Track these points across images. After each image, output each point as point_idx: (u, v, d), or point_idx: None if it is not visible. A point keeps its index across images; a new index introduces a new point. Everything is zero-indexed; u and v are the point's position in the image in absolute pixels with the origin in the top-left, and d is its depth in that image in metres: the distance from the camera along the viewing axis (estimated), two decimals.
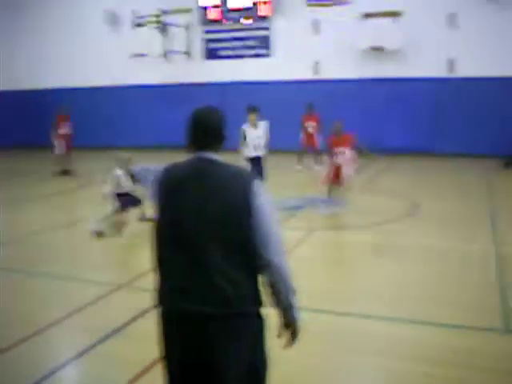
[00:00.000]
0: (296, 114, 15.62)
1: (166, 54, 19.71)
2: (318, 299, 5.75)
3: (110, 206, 8.99)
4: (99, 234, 8.78)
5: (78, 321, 5.73)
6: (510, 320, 5.44)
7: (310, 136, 15.24)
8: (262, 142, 9.91)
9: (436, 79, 17.23)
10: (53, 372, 4.65)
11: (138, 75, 20.57)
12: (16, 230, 9.63)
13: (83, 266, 7.74)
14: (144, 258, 6.96)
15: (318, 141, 14.99)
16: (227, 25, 19.60)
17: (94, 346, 5.05)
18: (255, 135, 9.86)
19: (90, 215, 9.53)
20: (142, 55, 19.74)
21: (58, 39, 21.84)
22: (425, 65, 17.16)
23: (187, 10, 19.83)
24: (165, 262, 2.75)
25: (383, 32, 17.19)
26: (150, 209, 7.77)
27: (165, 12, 19.48)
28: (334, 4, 17.90)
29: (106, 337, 5.20)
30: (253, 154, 9.86)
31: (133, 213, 9.18)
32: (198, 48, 20.30)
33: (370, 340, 5.07)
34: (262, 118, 10.05)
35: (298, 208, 10.47)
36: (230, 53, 19.95)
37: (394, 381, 4.43)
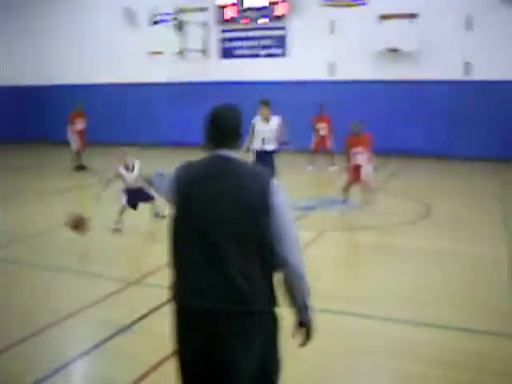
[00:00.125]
0: (310, 115, 15.63)
1: (182, 53, 19.78)
2: (329, 300, 5.74)
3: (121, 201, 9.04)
4: (115, 231, 8.83)
5: (89, 316, 5.78)
6: None
7: (321, 137, 15.24)
8: (273, 136, 9.82)
9: (452, 82, 17.15)
10: (63, 366, 4.70)
11: (154, 73, 20.66)
12: (29, 225, 9.70)
13: (95, 261, 7.80)
14: (156, 255, 7.04)
15: (330, 142, 15.00)
16: (243, 24, 19.63)
17: (103, 341, 5.08)
18: (265, 129, 9.75)
19: (103, 211, 9.59)
20: (158, 53, 19.83)
21: (75, 36, 22.00)
22: (441, 67, 17.10)
23: (204, 9, 19.89)
24: (181, 259, 2.74)
25: (399, 33, 17.15)
26: (164, 206, 7.82)
27: (182, 10, 19.54)
28: (351, 5, 17.86)
29: (116, 333, 5.24)
30: (260, 147, 9.78)
31: (144, 209, 9.22)
32: (213, 47, 20.36)
33: (383, 342, 5.07)
34: (276, 115, 10.04)
35: (309, 208, 10.46)
36: (245, 52, 19.99)
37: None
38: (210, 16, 20.00)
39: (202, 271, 2.64)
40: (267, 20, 19.25)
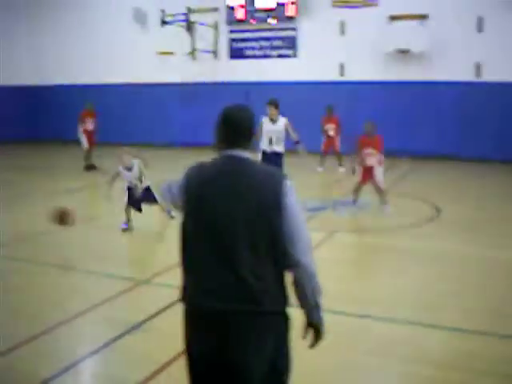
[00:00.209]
0: (320, 116, 15.60)
1: (192, 53, 19.83)
2: (338, 301, 5.75)
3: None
4: (124, 230, 8.86)
5: (99, 315, 5.81)
6: None
7: (330, 138, 15.21)
8: (281, 137, 9.83)
9: (462, 83, 17.06)
10: (72, 364, 4.73)
11: (165, 74, 20.71)
12: (40, 224, 9.73)
13: (106, 260, 7.83)
14: (166, 255, 7.06)
15: (339, 143, 14.97)
16: (253, 25, 19.65)
17: (113, 340, 5.12)
18: (271, 129, 9.76)
19: (113, 210, 9.62)
20: (169, 54, 19.88)
21: (86, 36, 22.09)
22: (451, 68, 17.02)
23: (214, 9, 19.92)
24: (192, 260, 2.73)
25: (409, 34, 17.10)
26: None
27: (192, 11, 19.58)
28: (361, 5, 17.83)
29: (126, 332, 5.27)
30: (267, 147, 9.81)
31: (155, 209, 9.25)
32: (223, 47, 20.38)
33: (386, 343, 5.08)
34: (285, 116, 10.04)
35: (319, 209, 10.46)
36: (255, 53, 20.00)
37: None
38: (220, 17, 20.03)
39: (213, 271, 2.64)
40: (277, 21, 19.23)
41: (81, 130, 15.80)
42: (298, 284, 2.73)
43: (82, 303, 6.06)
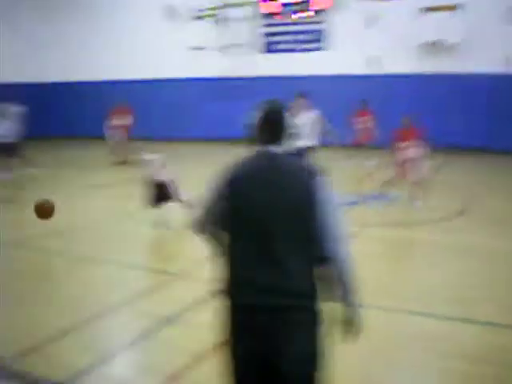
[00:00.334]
0: (350, 109, 15.54)
1: (223, 48, 19.87)
2: (372, 295, 5.72)
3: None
4: (158, 224, 8.94)
5: (134, 308, 5.90)
6: None
7: (362, 132, 15.13)
8: (309, 130, 9.72)
9: (495, 75, 16.82)
10: (109, 355, 4.84)
11: (196, 68, 20.80)
12: (73, 218, 9.91)
13: (140, 254, 7.96)
14: (200, 249, 7.12)
15: (373, 137, 14.88)
16: (284, 18, 19.61)
17: (149, 332, 5.20)
18: (298, 122, 9.62)
19: (146, 205, 9.73)
20: (200, 48, 19.96)
21: (118, 33, 22.29)
22: (484, 60, 16.78)
23: (245, 3, 19.93)
24: (233, 256, 2.76)
25: (442, 26, 16.90)
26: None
27: (223, 5, 19.62)
28: None
29: (162, 324, 5.35)
30: (296, 141, 9.71)
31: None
32: (254, 41, 20.37)
33: (420, 338, 5.08)
34: (319, 110, 10.02)
35: (351, 204, 10.42)
36: (286, 46, 19.96)
37: (437, 379, 4.45)
38: (251, 11, 20.02)
39: (254, 268, 2.66)
40: (309, 14, 19.17)
41: (111, 126, 16.03)
42: (333, 279, 2.74)
43: (118, 296, 6.16)
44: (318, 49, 19.46)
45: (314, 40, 19.50)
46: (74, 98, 23.45)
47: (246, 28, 20.12)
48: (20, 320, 5.55)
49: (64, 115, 23.41)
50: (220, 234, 2.85)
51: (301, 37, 19.66)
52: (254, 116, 2.88)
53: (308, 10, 19.16)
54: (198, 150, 19.00)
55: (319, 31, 19.32)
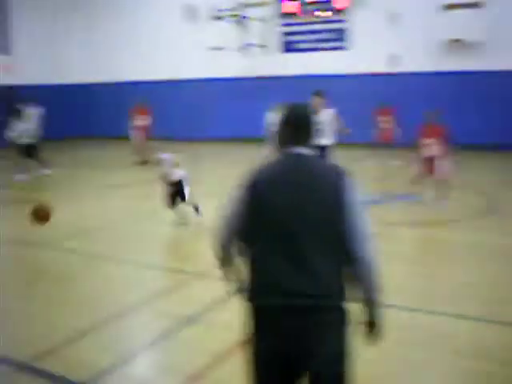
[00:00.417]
0: (371, 108, 15.44)
1: (243, 47, 19.88)
2: (396, 295, 5.67)
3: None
4: (179, 224, 8.94)
5: (153, 307, 5.90)
6: None
7: (384, 130, 15.01)
8: (325, 129, 9.69)
9: None
10: (131, 355, 4.83)
11: (215, 68, 20.83)
12: (92, 218, 9.97)
13: (160, 254, 7.97)
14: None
15: (394, 136, 14.75)
16: (304, 18, 19.55)
17: (170, 332, 5.19)
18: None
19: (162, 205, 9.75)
20: (220, 48, 19.99)
21: (137, 34, 22.41)
22: (506, 58, 16.56)
23: (265, 3, 19.91)
24: (259, 259, 2.72)
25: (464, 23, 16.71)
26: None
27: (243, 5, 19.63)
28: None
29: (182, 323, 5.34)
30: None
31: (209, 203, 9.30)
32: (274, 41, 20.35)
33: (439, 337, 5.00)
34: (335, 108, 9.97)
35: (374, 203, 10.33)
36: (306, 46, 19.91)
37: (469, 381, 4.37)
38: (270, 10, 19.99)
39: (280, 270, 2.63)
40: (328, 13, 19.10)
41: (131, 126, 16.13)
42: (358, 280, 2.72)
43: (136, 296, 6.17)
44: (338, 48, 19.35)
45: (334, 39, 19.40)
46: (93, 98, 23.62)
47: (265, 28, 20.09)
48: (39, 320, 5.58)
49: (83, 116, 23.58)
50: (241, 245, 2.82)
51: (321, 36, 19.57)
52: (279, 118, 2.87)
53: (328, 9, 19.07)
54: (217, 150, 19.02)
55: (340, 30, 19.22)
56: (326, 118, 9.75)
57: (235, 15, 19.68)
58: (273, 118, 9.81)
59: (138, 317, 5.72)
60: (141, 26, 22.24)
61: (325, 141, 9.76)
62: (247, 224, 2.76)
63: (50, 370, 4.52)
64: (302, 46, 19.98)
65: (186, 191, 8.75)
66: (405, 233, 8.80)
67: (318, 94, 9.79)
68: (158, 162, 8.73)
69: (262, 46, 20.19)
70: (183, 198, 8.85)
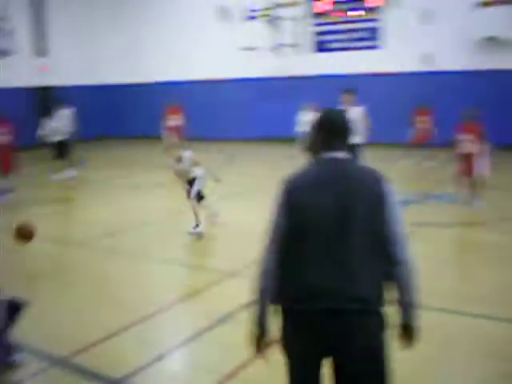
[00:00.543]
0: (405, 107, 15.28)
1: (275, 47, 19.88)
2: (431, 297, 5.62)
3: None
4: (213, 223, 8.97)
5: (191, 305, 5.97)
6: None
7: (421, 131, 14.81)
8: (355, 127, 9.67)
9: None
10: (164, 353, 4.89)
11: (248, 69, 20.86)
12: (126, 218, 10.08)
13: (196, 253, 8.04)
14: (255, 247, 7.12)
15: (431, 136, 14.55)
16: (336, 17, 19.46)
17: (204, 330, 5.24)
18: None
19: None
20: (252, 49, 20.02)
21: (172, 35, 22.55)
22: None
23: (297, 3, 19.88)
24: (298, 261, 2.70)
25: (500, 21, 16.42)
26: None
27: (275, 5, 19.63)
28: None
29: (217, 322, 5.39)
30: None
31: (250, 204, 9.34)
32: (307, 41, 20.28)
33: (477, 340, 4.94)
34: (365, 106, 9.93)
35: (408, 202, 10.24)
36: (338, 45, 19.79)
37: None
38: (303, 10, 19.95)
39: (320, 273, 2.64)
40: (361, 12, 18.98)
41: (163, 126, 16.28)
42: (396, 282, 2.73)
43: (171, 294, 6.24)
44: (371, 47, 19.20)
45: (367, 38, 19.25)
46: (128, 99, 23.86)
47: (297, 27, 20.04)
48: (77, 317, 5.68)
49: (118, 116, 23.83)
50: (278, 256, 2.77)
51: (353, 35, 19.44)
52: (318, 124, 2.90)
53: (361, 8, 18.95)
54: (249, 150, 19.04)
55: (372, 29, 19.07)
56: (355, 116, 9.70)
57: (267, 15, 19.68)
58: (305, 117, 9.80)
59: (173, 315, 5.79)
60: (176, 28, 22.35)
61: (356, 139, 9.71)
62: (286, 231, 2.74)
63: (86, 366, 4.61)
64: (334, 45, 19.87)
65: (194, 190, 8.69)
66: (439, 233, 8.70)
67: (348, 91, 9.79)
68: (180, 159, 8.77)
69: (294, 46, 20.14)
70: (204, 196, 8.84)
